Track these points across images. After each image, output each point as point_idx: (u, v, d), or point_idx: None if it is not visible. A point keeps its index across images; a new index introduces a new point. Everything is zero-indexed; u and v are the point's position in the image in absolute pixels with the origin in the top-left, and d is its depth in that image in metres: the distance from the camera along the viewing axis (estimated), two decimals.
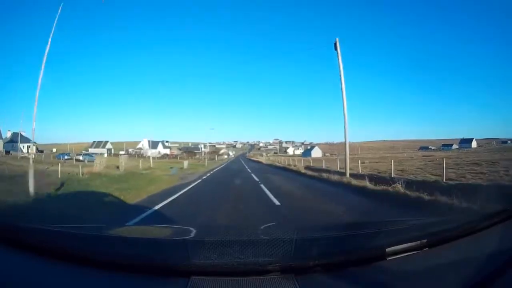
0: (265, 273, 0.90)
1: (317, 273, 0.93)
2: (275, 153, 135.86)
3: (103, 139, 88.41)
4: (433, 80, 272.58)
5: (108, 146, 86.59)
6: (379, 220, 2.86)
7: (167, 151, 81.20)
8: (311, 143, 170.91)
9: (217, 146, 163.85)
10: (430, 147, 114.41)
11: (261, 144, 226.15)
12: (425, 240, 1.06)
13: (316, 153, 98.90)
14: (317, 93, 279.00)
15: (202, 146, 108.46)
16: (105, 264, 0.96)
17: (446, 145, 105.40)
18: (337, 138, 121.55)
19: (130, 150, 77.18)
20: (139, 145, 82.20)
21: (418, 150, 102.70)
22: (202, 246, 1.08)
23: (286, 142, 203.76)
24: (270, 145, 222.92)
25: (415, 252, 1.04)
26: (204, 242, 1.18)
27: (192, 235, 1.45)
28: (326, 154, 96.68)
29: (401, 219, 2.02)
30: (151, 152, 69.15)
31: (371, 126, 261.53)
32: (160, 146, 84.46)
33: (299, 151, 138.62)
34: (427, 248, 1.06)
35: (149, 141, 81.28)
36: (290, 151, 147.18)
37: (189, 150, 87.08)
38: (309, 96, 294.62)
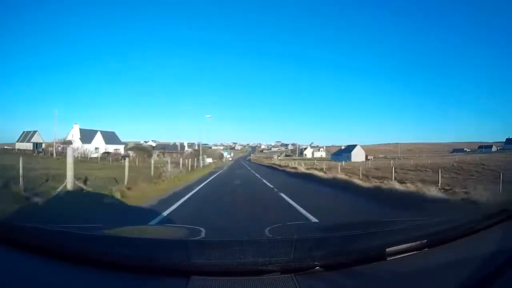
0: (265, 273, 0.90)
1: (317, 273, 0.92)
2: (287, 155, 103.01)
3: (32, 129, 56.22)
4: (431, 81, 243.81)
5: (36, 139, 54.44)
6: (379, 220, 2.78)
7: (116, 147, 48.19)
8: (317, 145, 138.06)
9: (213, 147, 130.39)
10: (465, 149, 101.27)
11: (262, 146, 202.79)
12: (425, 240, 1.05)
13: (358, 155, 67.53)
14: (321, 94, 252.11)
15: (186, 144, 75.83)
16: (105, 264, 0.95)
17: (485, 147, 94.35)
18: (343, 141, 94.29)
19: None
20: (69, 136, 47.92)
21: (451, 152, 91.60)
22: (202, 246, 1.08)
23: (292, 144, 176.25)
24: (274, 147, 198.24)
25: (415, 252, 1.04)
26: (204, 242, 1.18)
27: (192, 235, 1.46)
28: (369, 158, 65.33)
29: (401, 219, 2.00)
30: (81, 149, 36.41)
31: (380, 128, 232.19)
32: (98, 138, 49.92)
33: (319, 153, 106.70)
34: (427, 248, 1.05)
35: (80, 130, 48.10)
36: (308, 153, 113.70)
37: (141, 148, 52.55)
38: (313, 98, 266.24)
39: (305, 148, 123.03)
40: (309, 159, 69.32)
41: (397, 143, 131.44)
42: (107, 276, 0.92)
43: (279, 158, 78.49)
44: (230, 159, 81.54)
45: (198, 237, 1.35)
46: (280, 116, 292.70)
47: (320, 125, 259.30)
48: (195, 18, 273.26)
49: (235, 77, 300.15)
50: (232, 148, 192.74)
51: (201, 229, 1.44)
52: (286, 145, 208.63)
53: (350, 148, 77.40)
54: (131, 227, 2.00)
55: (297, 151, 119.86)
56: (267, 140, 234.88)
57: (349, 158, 63.62)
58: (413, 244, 1.02)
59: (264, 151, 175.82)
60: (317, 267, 0.92)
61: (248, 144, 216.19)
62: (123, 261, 0.95)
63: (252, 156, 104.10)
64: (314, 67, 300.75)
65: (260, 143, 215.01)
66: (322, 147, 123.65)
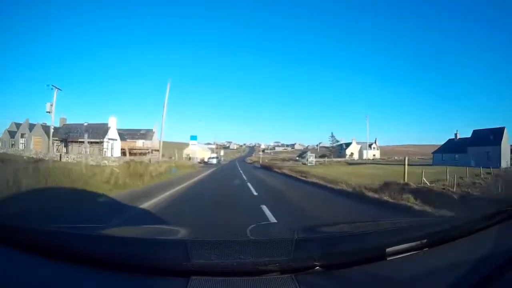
0: (265, 273, 0.90)
1: (317, 273, 0.92)
2: (325, 156, 60.59)
3: None
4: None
5: None
6: (379, 220, 2.77)
7: None
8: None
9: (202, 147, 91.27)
10: None
11: (262, 146, 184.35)
12: (425, 240, 1.05)
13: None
14: (321, 93, 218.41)
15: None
16: (105, 264, 0.96)
17: None
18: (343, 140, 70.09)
19: None
20: None
21: None
22: (202, 246, 1.08)
23: (299, 144, 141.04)
24: (279, 146, 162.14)
25: (415, 252, 1.04)
26: (204, 242, 1.19)
27: (192, 235, 1.48)
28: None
29: (401, 219, 2.02)
30: None
31: (393, 129, 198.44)
32: None
33: (372, 153, 67.26)
34: (427, 248, 1.06)
35: None
36: (354, 151, 72.01)
37: None
38: (317, 96, 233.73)
39: (348, 145, 73.73)
40: (359, 163, 41.93)
41: (395, 145, 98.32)
42: (107, 276, 0.92)
43: (314, 161, 42.86)
44: (215, 161, 43.12)
45: (198, 237, 1.37)
46: (279, 116, 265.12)
47: (324, 126, 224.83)
48: (189, 14, 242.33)
49: (232, 75, 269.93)
50: (226, 148, 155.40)
51: (201, 229, 1.39)
52: (292, 145, 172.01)
53: (494, 133, 35.31)
54: (131, 227, 2.03)
55: (335, 150, 68.71)
56: (265, 140, 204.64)
57: (494, 159, 28.17)
58: (413, 244, 1.03)
59: (265, 151, 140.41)
60: (317, 267, 0.92)
61: (245, 144, 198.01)
62: (123, 261, 0.95)
63: (257, 158, 65.33)
64: (315, 63, 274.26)
65: (259, 143, 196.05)
66: (375, 142, 73.95)
